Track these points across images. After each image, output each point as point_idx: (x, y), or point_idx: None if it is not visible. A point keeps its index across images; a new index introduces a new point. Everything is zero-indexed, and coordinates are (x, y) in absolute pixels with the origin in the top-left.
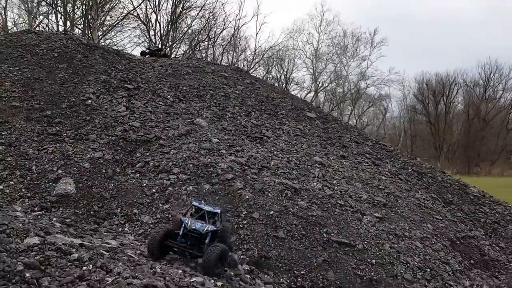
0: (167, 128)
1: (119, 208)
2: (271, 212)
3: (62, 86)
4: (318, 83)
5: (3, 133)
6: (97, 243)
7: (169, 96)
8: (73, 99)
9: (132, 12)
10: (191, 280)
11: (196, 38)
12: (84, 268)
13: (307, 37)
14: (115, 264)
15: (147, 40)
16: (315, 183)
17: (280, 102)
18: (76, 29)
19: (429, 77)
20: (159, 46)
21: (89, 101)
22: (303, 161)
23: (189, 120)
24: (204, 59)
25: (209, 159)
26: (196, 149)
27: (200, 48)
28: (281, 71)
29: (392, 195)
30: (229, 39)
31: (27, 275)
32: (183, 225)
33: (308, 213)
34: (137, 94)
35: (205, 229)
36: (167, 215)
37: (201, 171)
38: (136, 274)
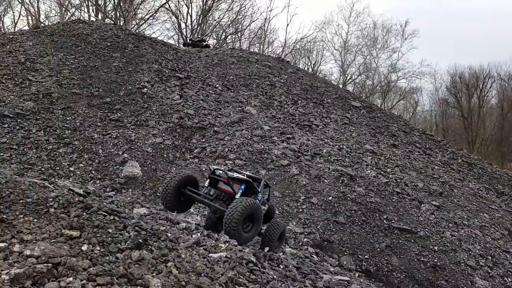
0: (219, 116)
1: None
2: (330, 198)
3: (118, 75)
4: (346, 75)
5: (68, 118)
6: (180, 218)
7: (217, 85)
8: (130, 87)
9: (164, 5)
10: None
11: (224, 31)
12: (194, 236)
13: (336, 28)
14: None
15: (178, 33)
16: (369, 171)
17: (325, 91)
18: (108, 22)
19: (462, 70)
20: (204, 37)
21: (145, 89)
22: (354, 149)
23: (239, 108)
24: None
25: (262, 146)
26: (249, 136)
27: (228, 41)
28: (309, 63)
29: (447, 184)
30: (256, 32)
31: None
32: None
33: (366, 200)
34: (188, 83)
35: (235, 175)
36: None
37: (255, 157)
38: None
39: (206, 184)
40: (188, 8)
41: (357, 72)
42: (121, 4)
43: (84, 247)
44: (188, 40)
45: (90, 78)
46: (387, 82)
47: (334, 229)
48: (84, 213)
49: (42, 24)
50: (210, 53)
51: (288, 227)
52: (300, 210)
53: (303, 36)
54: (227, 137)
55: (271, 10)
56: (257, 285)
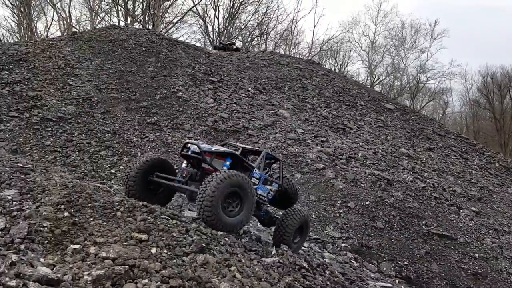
0: (253, 119)
1: None
2: (367, 202)
3: (153, 79)
4: (374, 76)
5: (107, 122)
6: None
7: (250, 88)
8: (165, 91)
9: (192, 8)
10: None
11: (251, 34)
12: (243, 240)
13: (363, 29)
14: None
15: (205, 36)
16: (405, 175)
17: (357, 93)
18: (137, 26)
19: (494, 70)
20: (232, 40)
21: (180, 93)
22: (390, 153)
23: (272, 111)
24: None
25: (296, 149)
26: (283, 139)
27: (253, 43)
28: (335, 64)
29: (486, 189)
30: (282, 33)
31: None
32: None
33: (404, 205)
34: (221, 86)
35: (210, 149)
36: None
37: (290, 160)
38: None
39: (184, 165)
40: (215, 11)
41: (384, 73)
42: (150, 8)
43: (153, 250)
44: (218, 44)
45: (127, 83)
46: (415, 83)
47: (372, 234)
48: (149, 217)
49: (73, 29)
50: (241, 57)
51: (326, 231)
52: (337, 214)
53: (330, 37)
54: (261, 140)
55: (298, 12)
56: None
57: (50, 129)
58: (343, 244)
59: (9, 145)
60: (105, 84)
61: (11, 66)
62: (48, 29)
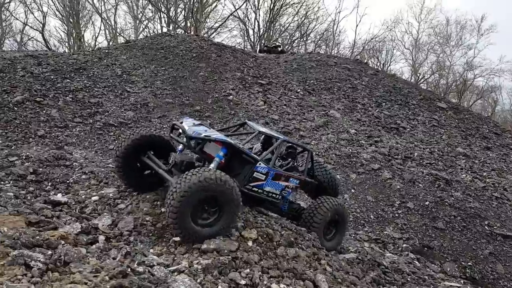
0: (304, 120)
1: None
2: (426, 203)
3: (204, 84)
4: (418, 74)
5: (164, 126)
6: None
7: (299, 90)
8: (216, 95)
9: (233, 12)
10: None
11: (292, 35)
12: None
13: (406, 27)
14: None
15: (246, 39)
16: (464, 175)
17: (408, 93)
18: (179, 31)
19: None
20: (276, 43)
21: (231, 96)
22: (446, 152)
23: (323, 112)
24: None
25: (350, 149)
26: (336, 140)
27: (293, 45)
28: (378, 63)
29: None
30: (322, 34)
31: None
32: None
33: (465, 205)
34: (270, 89)
35: (198, 134)
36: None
37: (344, 160)
38: None
39: (180, 147)
40: (256, 15)
41: (429, 71)
42: (193, 14)
43: (249, 243)
44: (263, 47)
45: (180, 88)
46: (462, 80)
47: (433, 235)
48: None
49: (119, 36)
50: (288, 59)
51: (386, 231)
52: (396, 215)
53: (373, 36)
54: (313, 141)
55: (339, 12)
56: (394, 286)
57: (112, 133)
58: (404, 245)
59: (76, 149)
60: (160, 89)
61: (72, 75)
62: (96, 38)
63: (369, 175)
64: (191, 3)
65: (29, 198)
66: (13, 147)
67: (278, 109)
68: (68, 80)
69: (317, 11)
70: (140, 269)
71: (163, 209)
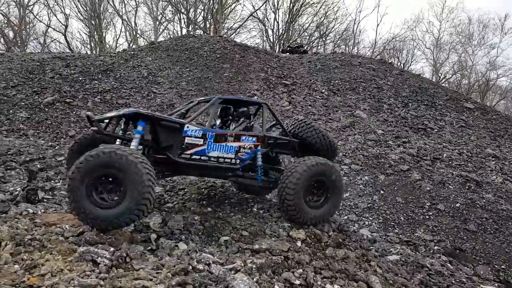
0: (330, 121)
1: None
2: (457, 205)
3: (229, 84)
4: (439, 74)
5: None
6: None
7: (323, 90)
8: (241, 96)
9: (253, 13)
10: None
11: (311, 35)
12: None
13: (427, 26)
14: None
15: (266, 39)
16: (494, 176)
17: (435, 93)
18: (198, 32)
19: None
20: (297, 43)
21: (255, 97)
22: (475, 154)
23: (349, 112)
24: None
25: (377, 150)
26: (363, 140)
27: (313, 45)
28: (398, 63)
29: None
30: (341, 33)
31: None
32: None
33: (497, 207)
34: (294, 89)
35: (100, 117)
36: (348, 203)
37: (372, 161)
38: None
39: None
40: (275, 15)
41: (451, 71)
42: (212, 15)
43: (298, 244)
44: (286, 47)
45: (205, 89)
46: (485, 80)
47: (465, 237)
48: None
49: (139, 38)
50: (312, 59)
51: (417, 233)
52: (427, 217)
53: (394, 35)
54: (340, 142)
55: (360, 11)
56: None
57: None
58: (436, 247)
59: None
60: (185, 90)
61: (99, 76)
62: (117, 40)
63: (398, 176)
64: (211, 4)
65: None
66: (56, 147)
67: (303, 109)
68: (96, 82)
69: (337, 11)
70: (200, 266)
71: (209, 209)
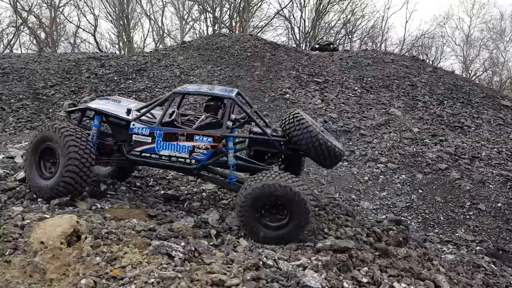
0: (364, 119)
1: (337, 193)
2: (499, 204)
3: (260, 83)
4: (469, 71)
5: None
6: None
7: (356, 88)
8: (273, 94)
9: (280, 11)
10: None
11: (338, 33)
12: None
13: (457, 22)
14: None
15: (292, 37)
16: None
17: (470, 90)
18: (224, 31)
19: None
20: (330, 40)
21: (287, 95)
22: None
23: (383, 110)
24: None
25: (414, 149)
26: (398, 139)
27: (339, 42)
28: (427, 60)
29: None
30: (368, 31)
31: None
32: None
33: None
34: (327, 87)
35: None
36: (386, 202)
37: (409, 160)
38: None
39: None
40: (302, 12)
41: (481, 68)
42: (239, 14)
43: (360, 242)
44: (315, 45)
45: (237, 87)
46: None
47: (508, 238)
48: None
49: (165, 37)
50: (343, 56)
51: (458, 233)
52: (467, 216)
53: (423, 32)
54: (375, 140)
55: (388, 8)
56: None
57: None
58: (478, 247)
59: None
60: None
61: (133, 76)
62: (145, 39)
63: (436, 175)
64: (237, 2)
65: (140, 193)
66: None
67: (336, 107)
68: (130, 81)
69: (364, 7)
70: (270, 262)
71: None
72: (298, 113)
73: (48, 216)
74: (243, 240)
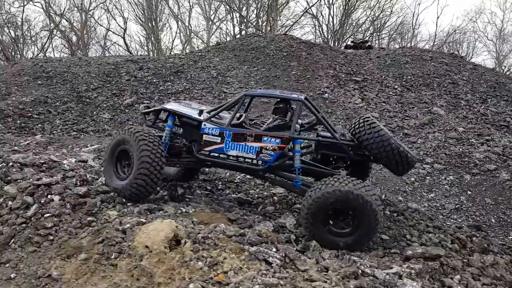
0: (406, 118)
1: (383, 195)
2: None
3: (298, 82)
4: (503, 67)
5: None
6: None
7: (396, 86)
8: (311, 94)
9: (308, 9)
10: None
11: (367, 30)
12: None
13: (489, 17)
14: None
15: (320, 35)
16: None
17: None
18: (250, 30)
19: None
20: (364, 38)
21: (326, 94)
22: None
23: (425, 109)
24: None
25: (460, 149)
26: (443, 138)
27: (367, 40)
28: (458, 56)
29: None
30: (397, 27)
31: None
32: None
33: None
34: (366, 85)
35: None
36: (434, 204)
37: (455, 160)
38: None
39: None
40: (330, 10)
41: None
42: (267, 12)
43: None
44: (350, 43)
45: (274, 87)
46: None
47: None
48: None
49: (193, 38)
50: (380, 54)
51: (511, 236)
52: None
53: (455, 28)
54: (419, 140)
55: (419, 4)
56: None
57: None
58: None
59: None
60: (254, 89)
61: (172, 78)
62: (173, 41)
63: (485, 176)
64: (264, 1)
65: (214, 196)
66: None
67: (377, 106)
68: (169, 83)
69: (394, 4)
70: (368, 270)
71: None
72: (369, 117)
73: (144, 220)
74: None
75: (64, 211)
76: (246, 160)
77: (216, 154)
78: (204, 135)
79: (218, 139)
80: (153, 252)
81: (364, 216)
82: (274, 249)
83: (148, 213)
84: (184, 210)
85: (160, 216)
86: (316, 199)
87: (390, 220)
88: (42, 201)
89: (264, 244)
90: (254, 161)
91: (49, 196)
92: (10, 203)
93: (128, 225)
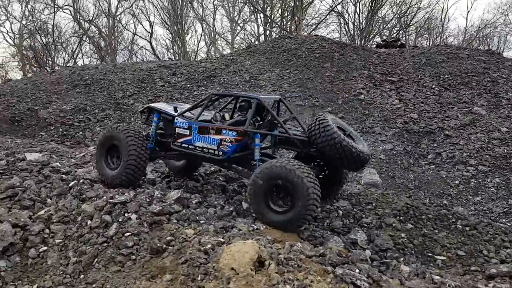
0: (446, 118)
1: (427, 199)
2: None
3: (332, 84)
4: None
5: (298, 129)
6: None
7: (433, 86)
8: (346, 95)
9: (334, 7)
10: None
11: (394, 27)
12: None
13: None
14: None
15: (346, 34)
16: None
17: None
18: (275, 30)
19: None
20: (397, 37)
21: (362, 96)
22: None
23: (466, 109)
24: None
25: (505, 150)
26: (486, 139)
27: (398, 37)
28: (496, 53)
29: None
30: (424, 23)
31: None
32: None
33: None
34: (402, 86)
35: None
36: (481, 207)
37: (500, 162)
38: None
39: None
40: (356, 7)
41: None
42: (293, 12)
43: None
44: (381, 42)
45: (308, 90)
46: None
47: None
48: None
49: (217, 39)
50: (415, 53)
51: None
52: None
53: (485, 22)
54: (461, 141)
55: None
56: None
57: None
58: None
59: None
60: (288, 92)
61: (205, 82)
62: (198, 43)
63: None
64: (288, 1)
65: None
66: None
67: (416, 107)
68: (202, 88)
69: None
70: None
71: (409, 225)
72: (322, 115)
73: (222, 240)
74: (403, 266)
75: (143, 230)
76: (210, 150)
77: (186, 145)
78: (177, 128)
79: (187, 132)
80: (240, 275)
81: (297, 192)
82: (357, 270)
83: (224, 231)
84: (255, 227)
85: (236, 235)
86: (257, 175)
87: (463, 235)
88: (120, 220)
89: (346, 264)
90: (216, 152)
91: (126, 215)
92: (89, 222)
93: (209, 246)
